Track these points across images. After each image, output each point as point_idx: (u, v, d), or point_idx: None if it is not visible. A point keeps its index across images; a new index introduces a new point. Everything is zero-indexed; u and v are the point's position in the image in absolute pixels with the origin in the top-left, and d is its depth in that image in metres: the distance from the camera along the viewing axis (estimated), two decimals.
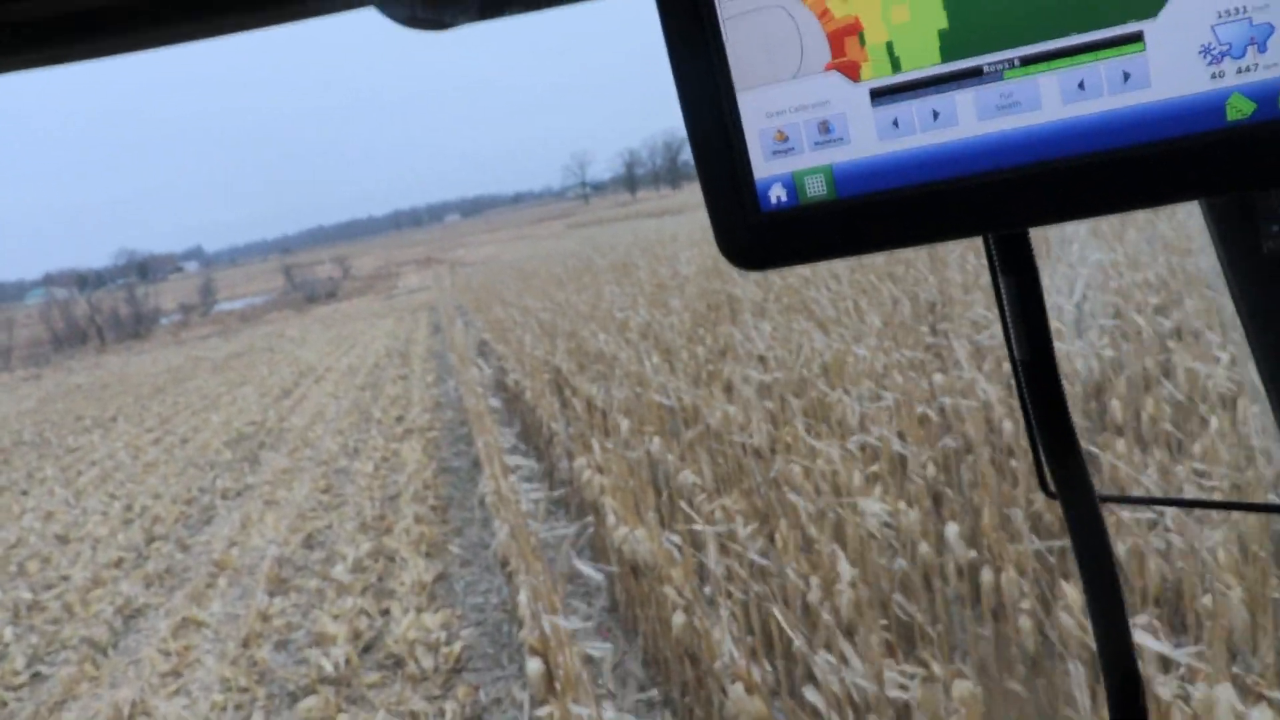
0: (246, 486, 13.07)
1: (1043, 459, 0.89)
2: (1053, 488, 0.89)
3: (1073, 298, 8.77)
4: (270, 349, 34.48)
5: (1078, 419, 6.46)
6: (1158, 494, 5.32)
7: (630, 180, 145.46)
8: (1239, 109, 0.62)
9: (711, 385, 9.42)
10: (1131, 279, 9.37)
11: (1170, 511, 4.78)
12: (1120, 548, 4.83)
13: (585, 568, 6.13)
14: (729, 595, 5.10)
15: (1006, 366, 7.38)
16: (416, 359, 22.40)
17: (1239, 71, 0.62)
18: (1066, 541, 5.31)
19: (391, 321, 35.61)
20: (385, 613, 7.81)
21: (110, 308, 65.43)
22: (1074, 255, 10.17)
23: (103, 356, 50.63)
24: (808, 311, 11.76)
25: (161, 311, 71.62)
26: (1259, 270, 0.86)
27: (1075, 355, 7.50)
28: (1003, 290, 0.84)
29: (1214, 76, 0.62)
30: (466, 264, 62.02)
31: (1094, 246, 10.26)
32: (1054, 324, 8.02)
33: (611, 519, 6.36)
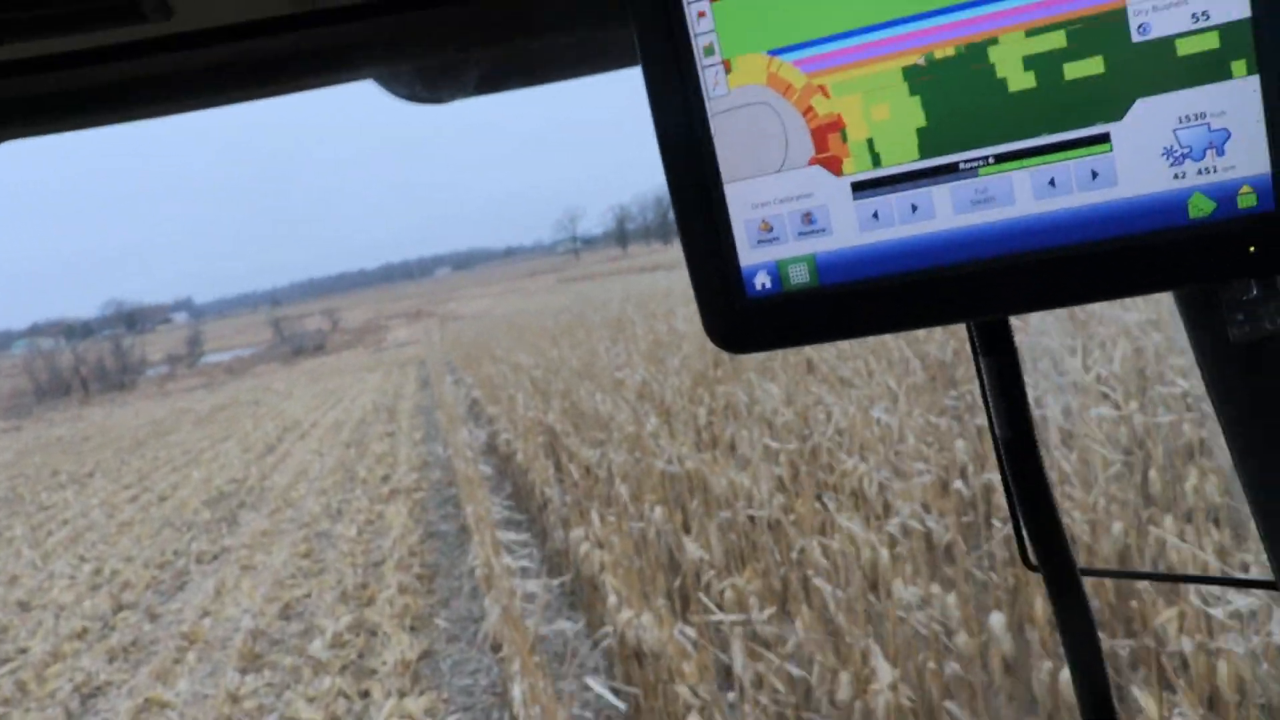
0: (223, 550, 12.44)
1: (1024, 533, 0.92)
2: (1034, 560, 0.93)
3: (1096, 359, 8.32)
4: (256, 402, 33.85)
5: (1124, 493, 5.95)
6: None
7: (621, 235, 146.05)
8: (1200, 208, 0.65)
9: (716, 449, 8.89)
10: (1159, 338, 8.90)
11: (1267, 607, 4.25)
12: (1187, 644, 4.30)
13: (599, 687, 5.54)
14: (756, 703, 4.54)
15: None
16: (404, 415, 21.83)
17: (1199, 173, 0.65)
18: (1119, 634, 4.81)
19: (379, 375, 35.06)
20: (365, 694, 7.21)
21: (95, 359, 64.66)
22: (1095, 314, 9.72)
23: (86, 408, 49.80)
24: (816, 371, 11.26)
25: (148, 363, 70.86)
26: (1227, 358, 0.88)
27: (1104, 420, 7.00)
28: (984, 371, 0.87)
29: (1176, 177, 0.66)
30: (457, 317, 61.55)
31: (1118, 307, 9.79)
32: (1095, 387, 7.58)
33: (613, 599, 5.81)
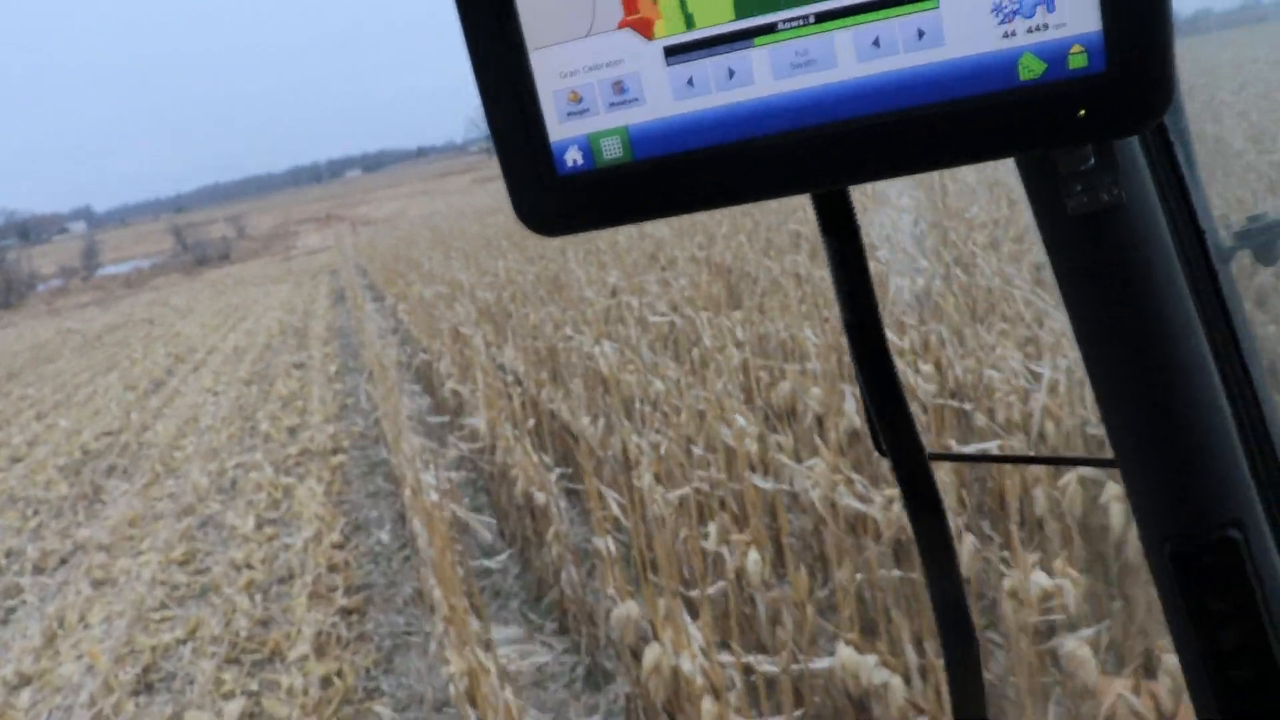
0: (76, 549, 9.20)
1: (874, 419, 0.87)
2: (883, 446, 0.88)
3: None
4: (150, 321, 30.19)
5: None
6: None
7: None
8: (1030, 69, 0.60)
9: (795, 432, 5.75)
10: None
11: None
12: None
13: None
14: None
15: None
16: (316, 340, 18.51)
17: (1030, 31, 0.59)
18: None
19: (288, 288, 31.66)
20: None
21: None
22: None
23: None
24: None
25: (38, 277, 65.62)
26: (1065, 229, 0.82)
27: None
28: (826, 251, 0.79)
29: (1006, 36, 0.60)
30: (370, 222, 57.58)
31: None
32: None
33: None
